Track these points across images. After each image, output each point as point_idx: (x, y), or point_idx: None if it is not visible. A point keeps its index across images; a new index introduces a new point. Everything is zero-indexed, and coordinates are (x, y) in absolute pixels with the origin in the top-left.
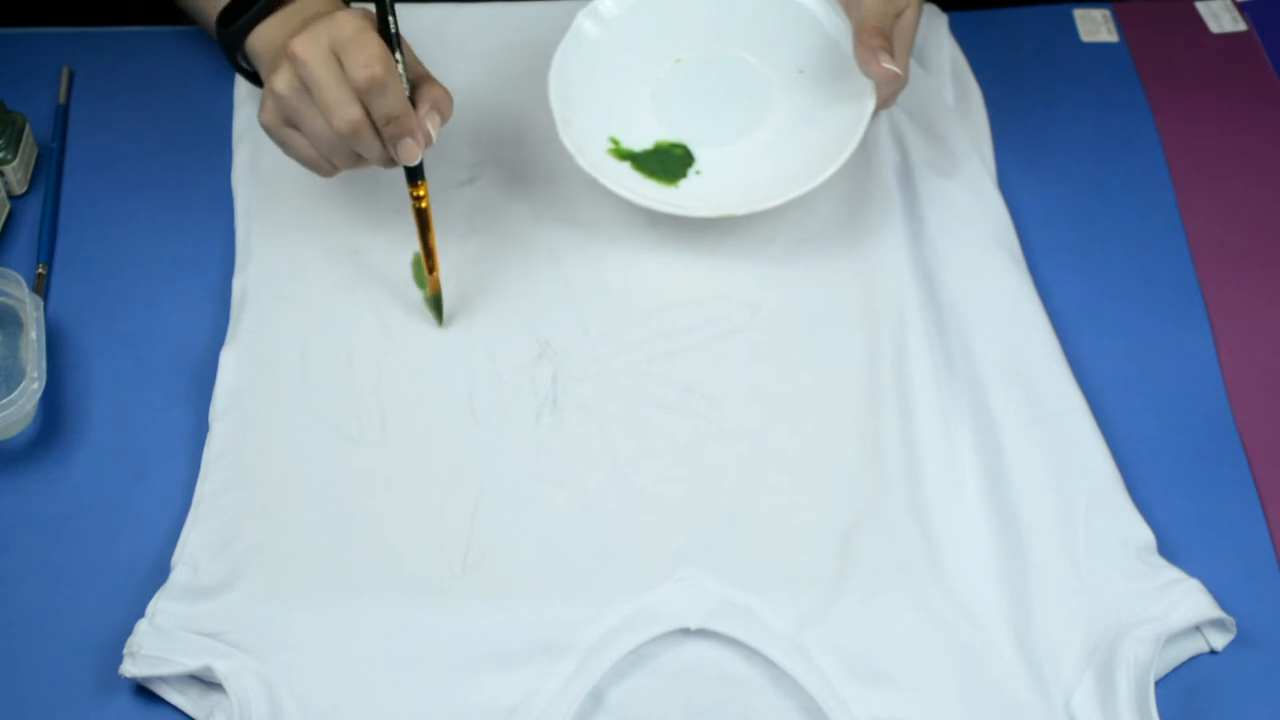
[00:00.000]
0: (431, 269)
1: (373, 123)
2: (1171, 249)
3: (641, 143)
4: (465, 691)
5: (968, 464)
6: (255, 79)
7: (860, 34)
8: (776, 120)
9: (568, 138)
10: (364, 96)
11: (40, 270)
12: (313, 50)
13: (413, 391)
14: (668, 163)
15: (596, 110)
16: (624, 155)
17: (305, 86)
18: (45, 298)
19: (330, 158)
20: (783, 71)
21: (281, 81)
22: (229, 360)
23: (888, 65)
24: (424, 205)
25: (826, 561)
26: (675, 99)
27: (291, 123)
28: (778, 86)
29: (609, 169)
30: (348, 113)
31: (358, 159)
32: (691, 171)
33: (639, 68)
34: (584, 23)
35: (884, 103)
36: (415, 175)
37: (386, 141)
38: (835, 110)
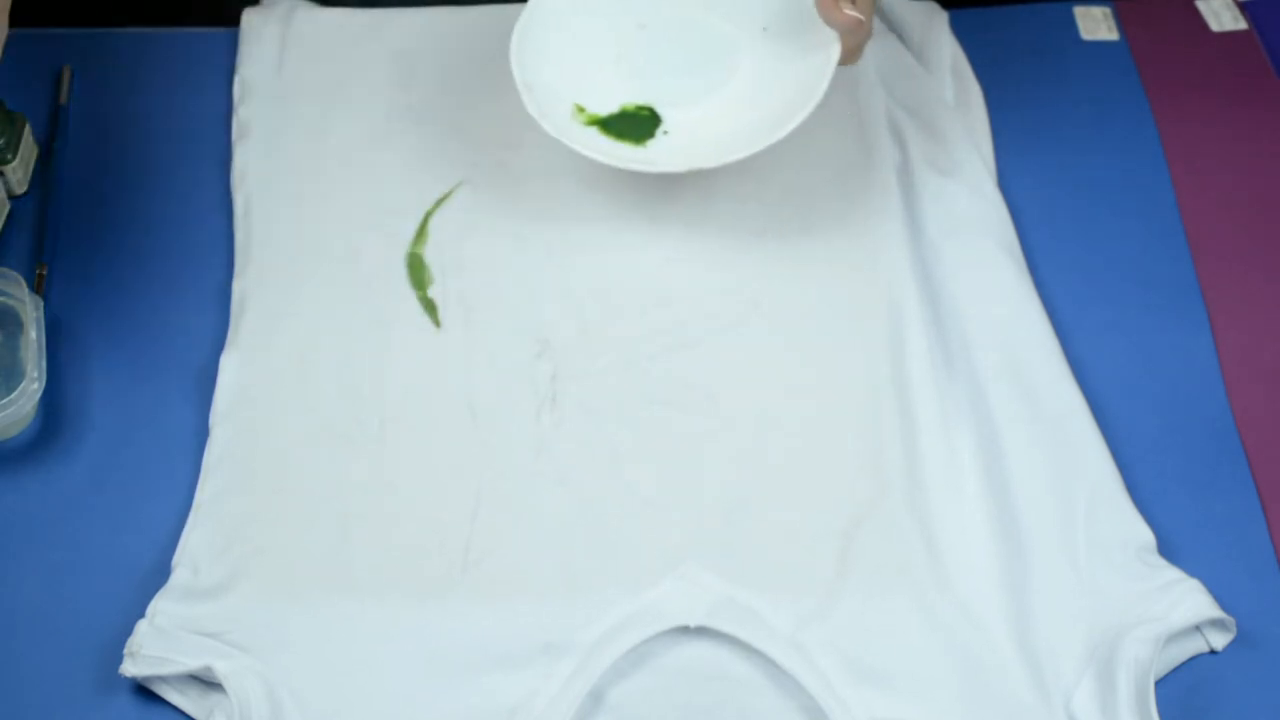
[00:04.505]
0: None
1: None
2: (1171, 249)
3: (607, 107)
4: (465, 693)
5: (967, 464)
6: None
7: None
8: (742, 78)
9: (531, 104)
10: None
11: (40, 270)
12: None
13: (412, 392)
14: (634, 124)
15: (560, 77)
16: (590, 120)
17: None
18: (45, 298)
19: None
20: (747, 29)
21: None
22: (229, 364)
23: (850, 12)
24: None
25: (826, 562)
26: (640, 63)
27: None
28: (743, 45)
29: (575, 134)
30: None
31: None
32: (659, 132)
33: (602, 34)
34: None
35: (849, 55)
36: None
37: None
38: (801, 64)
